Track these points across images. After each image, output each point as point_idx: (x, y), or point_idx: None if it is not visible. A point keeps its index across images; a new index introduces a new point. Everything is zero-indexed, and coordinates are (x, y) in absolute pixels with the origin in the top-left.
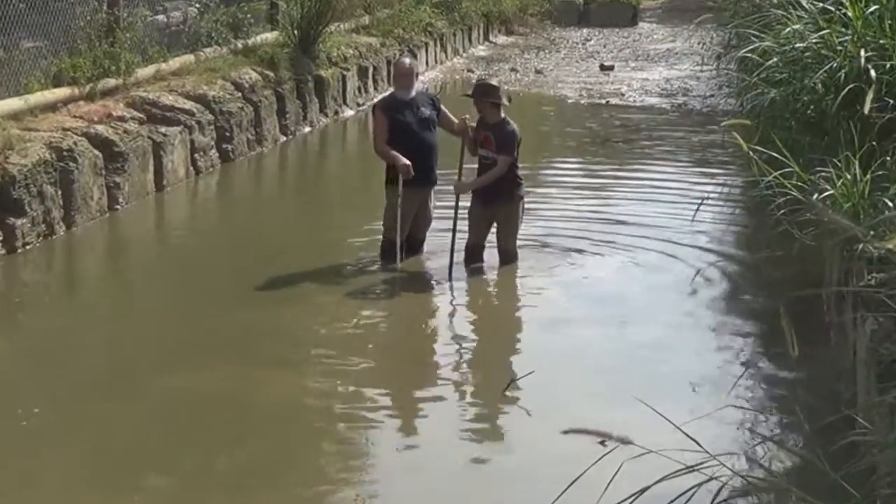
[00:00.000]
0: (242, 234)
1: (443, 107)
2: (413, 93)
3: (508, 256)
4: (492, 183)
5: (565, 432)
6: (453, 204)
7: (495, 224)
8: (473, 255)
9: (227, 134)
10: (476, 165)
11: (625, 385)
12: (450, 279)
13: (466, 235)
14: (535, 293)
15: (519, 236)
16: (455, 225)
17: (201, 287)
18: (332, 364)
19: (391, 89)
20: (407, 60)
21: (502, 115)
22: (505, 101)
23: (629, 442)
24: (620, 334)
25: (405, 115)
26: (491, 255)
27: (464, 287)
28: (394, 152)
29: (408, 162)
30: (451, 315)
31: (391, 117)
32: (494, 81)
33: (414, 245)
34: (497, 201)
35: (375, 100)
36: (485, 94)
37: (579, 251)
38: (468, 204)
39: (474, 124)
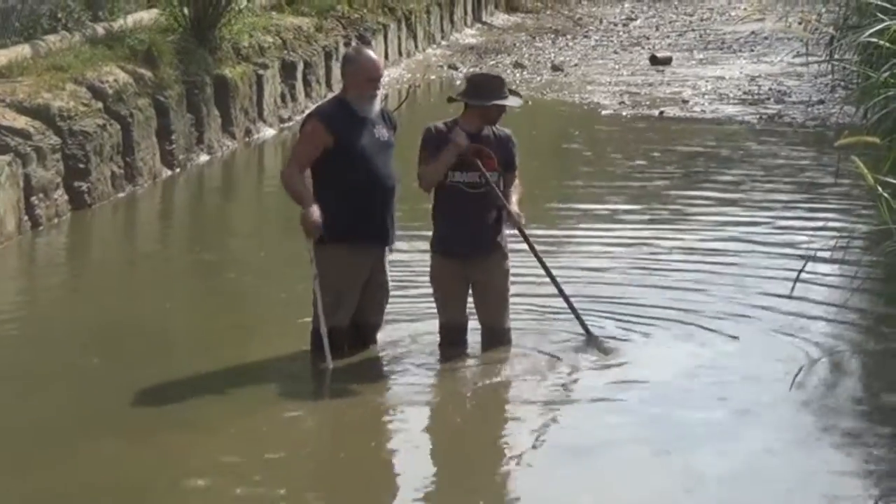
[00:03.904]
0: (104, 321)
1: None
2: (378, 105)
3: (500, 338)
4: (473, 224)
5: None
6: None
7: (471, 290)
8: (454, 338)
9: (82, 166)
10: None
11: None
12: (441, 366)
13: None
14: (551, 400)
15: (529, 308)
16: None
17: (39, 408)
18: None
19: (333, 94)
20: (374, 54)
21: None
22: (516, 102)
23: None
24: (684, 464)
25: (360, 136)
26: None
27: (440, 394)
28: (304, 189)
29: (317, 218)
30: (423, 442)
31: (337, 135)
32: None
33: (364, 332)
34: (480, 250)
35: (312, 108)
36: (490, 92)
37: (619, 333)
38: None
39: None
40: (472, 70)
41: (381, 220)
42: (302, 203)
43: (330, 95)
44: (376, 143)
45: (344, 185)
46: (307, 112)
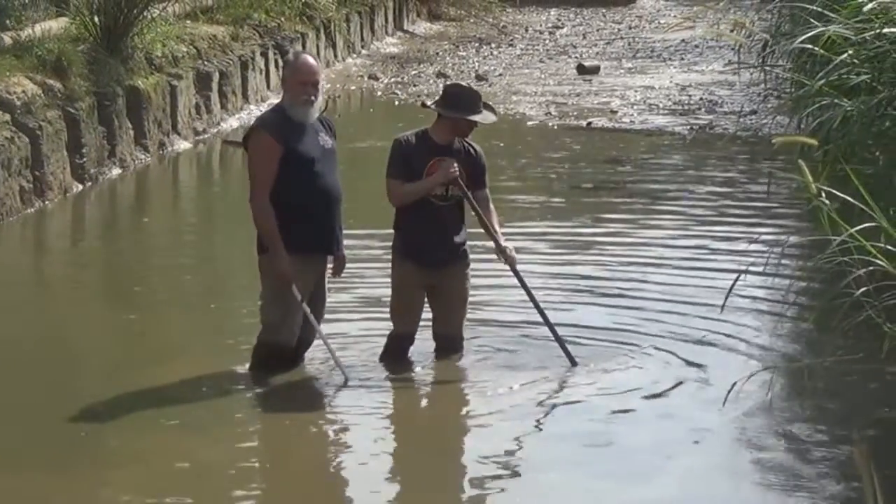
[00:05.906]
0: (11, 341)
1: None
2: (317, 112)
3: (457, 346)
4: (448, 232)
5: None
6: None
7: (431, 301)
8: (404, 347)
9: None
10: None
11: None
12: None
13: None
14: (491, 417)
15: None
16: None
17: None
18: None
19: (274, 103)
20: (311, 57)
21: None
22: (490, 119)
23: None
24: (613, 488)
25: (305, 143)
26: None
27: (388, 409)
28: (277, 233)
29: (288, 271)
30: (365, 458)
31: (285, 144)
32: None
33: (301, 345)
34: (450, 263)
35: (243, 121)
36: (466, 105)
37: (550, 353)
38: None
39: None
40: (449, 81)
41: (330, 230)
42: (274, 249)
43: (245, 107)
44: (321, 151)
45: (292, 195)
46: (253, 124)
